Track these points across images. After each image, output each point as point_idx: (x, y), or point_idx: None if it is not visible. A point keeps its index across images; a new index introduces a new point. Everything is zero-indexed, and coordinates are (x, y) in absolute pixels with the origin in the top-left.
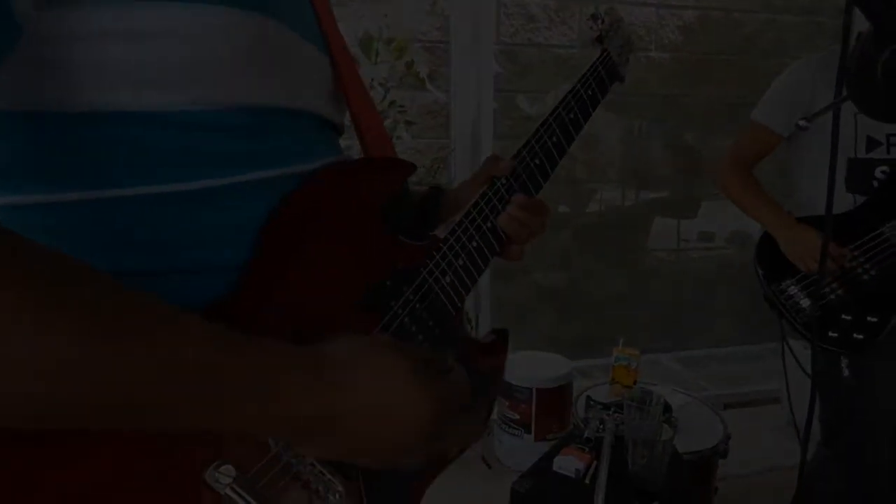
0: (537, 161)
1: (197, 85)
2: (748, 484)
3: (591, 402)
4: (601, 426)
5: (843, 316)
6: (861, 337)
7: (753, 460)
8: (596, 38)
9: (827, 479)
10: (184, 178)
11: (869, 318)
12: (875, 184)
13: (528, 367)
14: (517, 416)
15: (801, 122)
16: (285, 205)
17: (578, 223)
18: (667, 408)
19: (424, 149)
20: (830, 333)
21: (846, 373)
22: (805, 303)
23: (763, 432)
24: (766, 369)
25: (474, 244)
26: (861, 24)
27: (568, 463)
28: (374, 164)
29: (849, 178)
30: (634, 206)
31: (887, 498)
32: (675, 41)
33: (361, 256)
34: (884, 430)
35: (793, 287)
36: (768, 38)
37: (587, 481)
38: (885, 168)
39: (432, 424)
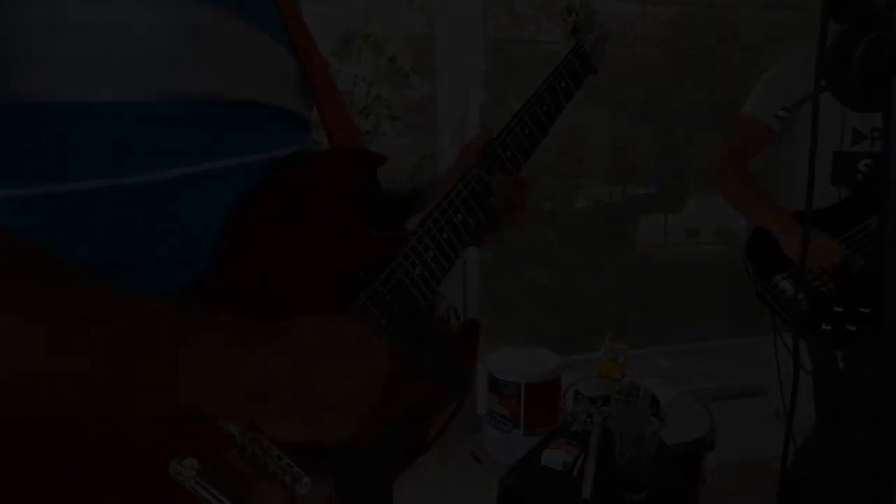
0: (509, 153)
1: (139, 76)
2: (736, 475)
3: (579, 396)
4: (589, 420)
5: (836, 308)
6: (854, 328)
7: (741, 452)
8: (571, 31)
9: (819, 469)
10: (131, 171)
11: (861, 310)
12: (859, 176)
13: (517, 362)
14: (506, 412)
15: (780, 113)
16: (254, 194)
17: (565, 219)
18: (654, 401)
19: (411, 145)
20: (824, 326)
21: (841, 365)
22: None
23: (750, 424)
24: (753, 362)
25: (445, 237)
26: None
27: (556, 457)
28: (344, 154)
29: (834, 171)
30: (621, 201)
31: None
32: (659, 37)
33: (330, 247)
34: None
35: (784, 282)
36: (753, 33)
37: (575, 474)
38: (867, 161)
39: (390, 377)
